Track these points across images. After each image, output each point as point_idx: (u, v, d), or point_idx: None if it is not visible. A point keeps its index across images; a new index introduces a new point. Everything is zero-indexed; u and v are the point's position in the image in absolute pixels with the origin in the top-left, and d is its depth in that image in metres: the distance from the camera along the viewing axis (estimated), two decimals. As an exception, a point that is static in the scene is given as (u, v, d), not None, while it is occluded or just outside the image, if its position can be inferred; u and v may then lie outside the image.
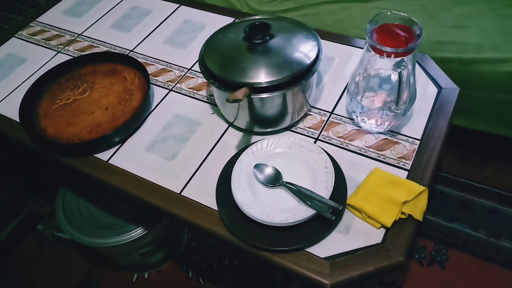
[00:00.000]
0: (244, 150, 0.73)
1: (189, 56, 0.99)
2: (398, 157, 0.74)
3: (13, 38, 1.11)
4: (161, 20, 1.09)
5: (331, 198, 0.64)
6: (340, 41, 0.98)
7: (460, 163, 1.43)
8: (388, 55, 0.65)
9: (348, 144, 0.77)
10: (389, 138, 0.77)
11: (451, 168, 1.42)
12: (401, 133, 0.78)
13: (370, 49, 0.67)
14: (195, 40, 1.02)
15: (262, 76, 0.70)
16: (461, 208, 1.31)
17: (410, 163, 0.73)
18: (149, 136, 0.83)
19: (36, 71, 1.00)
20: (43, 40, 1.09)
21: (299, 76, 0.72)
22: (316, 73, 0.74)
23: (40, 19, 1.16)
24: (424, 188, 0.67)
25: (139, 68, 0.90)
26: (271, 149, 0.73)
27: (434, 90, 0.84)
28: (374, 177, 0.69)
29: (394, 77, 0.71)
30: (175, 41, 1.03)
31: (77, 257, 1.39)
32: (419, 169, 0.72)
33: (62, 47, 1.06)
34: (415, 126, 0.78)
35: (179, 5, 1.14)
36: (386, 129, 0.77)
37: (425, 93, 0.83)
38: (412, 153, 0.75)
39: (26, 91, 0.87)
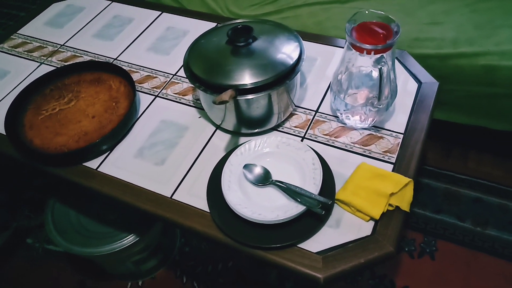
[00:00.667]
0: (233, 152, 0.74)
1: (173, 62, 0.99)
2: (383, 151, 0.76)
3: (-6, 51, 1.10)
4: (143, 28, 1.10)
5: (320, 194, 0.66)
6: (321, 41, 1.00)
7: (444, 156, 1.46)
8: (368, 52, 0.67)
9: (334, 141, 0.79)
10: (374, 133, 0.79)
11: (436, 161, 1.45)
12: (385, 127, 0.80)
13: (351, 47, 0.69)
14: (178, 46, 1.03)
15: (247, 78, 0.72)
16: (448, 200, 1.34)
17: (395, 156, 0.75)
18: (137, 142, 0.84)
19: (20, 83, 1.00)
20: (25, 52, 1.08)
21: (283, 77, 0.73)
22: (299, 73, 0.76)
23: (21, 31, 1.15)
24: (409, 179, 0.69)
25: (124, 75, 0.90)
26: (259, 149, 0.75)
27: (415, 85, 0.86)
28: (361, 171, 0.71)
29: (375, 73, 0.73)
30: (159, 48, 1.04)
31: (69, 269, 1.38)
32: (404, 162, 0.74)
33: (45, 58, 1.06)
34: (398, 120, 0.80)
35: (160, 12, 1.14)
36: (370, 125, 0.79)
37: (406, 89, 0.85)
38: (397, 146, 0.77)
39: (11, 103, 0.86)
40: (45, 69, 1.03)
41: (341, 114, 0.80)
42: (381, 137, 0.78)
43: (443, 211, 1.33)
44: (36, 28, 1.15)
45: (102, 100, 0.87)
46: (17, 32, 1.15)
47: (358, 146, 0.78)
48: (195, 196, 0.74)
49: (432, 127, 0.82)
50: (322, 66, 0.94)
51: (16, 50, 1.09)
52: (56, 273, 1.37)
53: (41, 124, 0.84)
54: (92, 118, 0.84)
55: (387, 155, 0.76)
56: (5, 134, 0.82)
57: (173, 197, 0.74)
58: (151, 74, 0.97)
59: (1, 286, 1.35)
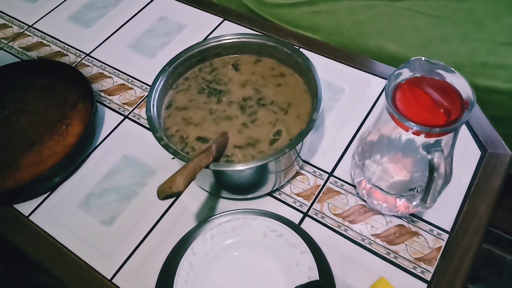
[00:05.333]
0: (201, 230, 0.53)
1: (157, 69, 0.76)
2: (415, 258, 0.53)
3: (-49, 24, 0.90)
4: (131, 14, 0.86)
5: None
6: (353, 63, 0.74)
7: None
8: (416, 133, 0.42)
9: (347, 228, 0.56)
10: (406, 225, 0.55)
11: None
12: (423, 218, 0.56)
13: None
14: (168, 47, 0.80)
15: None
16: (488, 266, 1.09)
17: (432, 270, 0.52)
18: (87, 183, 0.63)
19: (-32, 73, 0.80)
20: (-15, 31, 0.87)
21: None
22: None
23: (-12, 1, 0.94)
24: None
25: (86, 87, 0.68)
26: (238, 234, 0.53)
27: (476, 154, 0.61)
28: (377, 297, 0.48)
29: (423, 153, 0.48)
30: (143, 46, 0.80)
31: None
32: (443, 281, 0.51)
33: (6, 42, 0.84)
34: (443, 210, 0.56)
35: (157, -6, 0.90)
36: (403, 213, 0.55)
37: (463, 159, 0.60)
38: (437, 252, 0.53)
39: None
40: (2, 57, 0.82)
41: (362, 190, 0.56)
42: (416, 234, 0.55)
43: (479, 280, 1.09)
44: (6, -2, 0.94)
45: (51, 119, 0.66)
46: (-17, 1, 0.93)
47: (381, 242, 0.54)
48: (141, 284, 0.53)
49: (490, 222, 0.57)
50: (350, 102, 0.69)
51: (-24, 26, 0.88)
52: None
53: (-33, 145, 0.64)
54: (30, 146, 0.63)
55: (420, 266, 0.52)
56: None
57: (113, 281, 0.54)
58: (126, 83, 0.75)
59: None
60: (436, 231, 0.55)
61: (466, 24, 0.96)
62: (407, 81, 0.44)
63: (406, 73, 0.45)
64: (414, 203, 0.49)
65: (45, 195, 0.62)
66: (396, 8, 1.03)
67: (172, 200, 0.60)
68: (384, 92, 0.43)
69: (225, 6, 0.91)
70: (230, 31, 0.80)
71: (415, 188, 0.49)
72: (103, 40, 0.82)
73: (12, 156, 0.62)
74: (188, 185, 0.43)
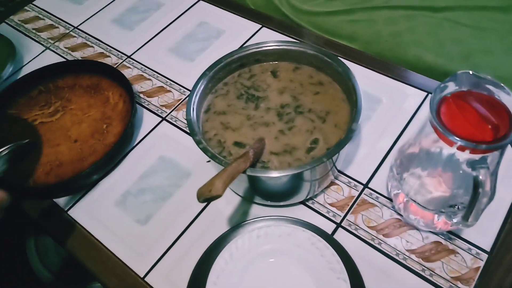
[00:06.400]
0: (234, 236, 0.53)
1: (196, 72, 0.77)
2: (452, 277, 0.51)
3: (3, 23, 0.95)
4: (171, 18, 0.88)
5: None
6: (391, 74, 0.73)
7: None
8: (461, 149, 0.41)
9: (381, 242, 0.55)
10: (443, 242, 0.54)
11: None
12: (461, 236, 0.54)
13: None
14: (206, 52, 0.81)
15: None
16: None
17: (469, 290, 0.50)
18: (123, 183, 0.65)
19: (17, 71, 0.83)
20: (34, 31, 0.91)
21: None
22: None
23: (38, 2, 0.98)
24: None
25: (126, 88, 0.70)
26: (271, 241, 0.53)
27: (520, 172, 0.58)
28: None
29: (467, 169, 0.47)
30: (182, 50, 0.82)
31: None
32: (481, 303, 0.49)
33: (52, 42, 0.88)
34: (484, 228, 0.54)
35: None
36: (441, 230, 0.54)
37: (506, 175, 0.58)
38: (475, 272, 0.51)
39: (-12, 104, 0.71)
40: (48, 56, 0.85)
41: (399, 203, 0.55)
42: (453, 252, 0.53)
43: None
44: (54, 0, 0.98)
45: (93, 118, 0.68)
46: (33, 3, 0.98)
47: (416, 258, 0.53)
48: (173, 285, 0.54)
49: (535, 244, 0.55)
50: (387, 112, 0.68)
51: (25, 26, 0.93)
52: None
53: (14, 139, 0.67)
54: (73, 142, 0.66)
55: (457, 285, 0.50)
56: (-31, 146, 0.66)
57: (145, 279, 0.55)
58: (164, 86, 0.77)
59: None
60: (474, 250, 0.53)
61: (511, 37, 0.93)
62: (453, 95, 0.43)
63: (452, 87, 0.44)
64: (454, 220, 0.48)
65: (84, 191, 0.64)
66: (437, 19, 1.00)
67: (205, 203, 0.61)
68: (429, 105, 0.42)
69: (264, 13, 0.92)
70: (268, 38, 0.81)
71: (456, 205, 0.47)
72: (144, 43, 0.85)
73: (56, 152, 0.64)
74: (226, 189, 0.43)
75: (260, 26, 0.84)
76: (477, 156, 0.41)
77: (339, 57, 0.74)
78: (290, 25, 0.85)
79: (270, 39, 0.80)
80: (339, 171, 0.61)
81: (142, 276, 0.55)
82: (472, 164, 0.41)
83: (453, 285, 0.50)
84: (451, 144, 0.41)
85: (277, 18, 0.88)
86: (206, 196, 0.41)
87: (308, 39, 0.80)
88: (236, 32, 0.84)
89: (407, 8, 1.03)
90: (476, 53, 0.92)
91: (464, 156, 0.42)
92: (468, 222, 0.44)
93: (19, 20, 0.94)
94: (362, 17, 1.05)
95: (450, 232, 0.54)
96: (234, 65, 0.62)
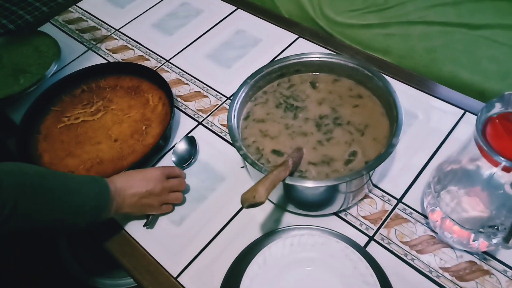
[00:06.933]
0: (268, 242, 0.54)
1: (232, 80, 0.79)
2: (486, 297, 0.51)
3: (48, 23, 0.98)
4: (210, 25, 0.91)
5: None
6: (427, 90, 0.73)
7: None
8: (507, 170, 0.41)
9: (414, 258, 0.55)
10: (478, 262, 0.54)
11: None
12: (497, 257, 0.54)
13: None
14: (243, 60, 0.83)
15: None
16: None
17: (504, 312, 0.50)
18: (159, 183, 0.66)
19: (61, 68, 0.87)
20: (77, 31, 0.95)
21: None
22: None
23: (81, 3, 1.02)
24: None
25: (166, 91, 0.72)
26: (305, 249, 0.53)
27: (559, 196, 0.58)
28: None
29: (510, 190, 0.46)
30: (220, 57, 0.84)
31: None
32: (516, 327, 0.48)
33: (94, 43, 0.91)
34: (521, 251, 0.54)
35: (235, 8, 0.94)
36: (477, 250, 0.54)
37: (544, 200, 0.57)
38: (509, 295, 0.51)
39: (34, 100, 0.73)
40: (90, 56, 0.88)
41: (435, 221, 0.55)
42: (488, 272, 0.53)
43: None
44: (97, 3, 1.01)
45: (133, 119, 0.70)
46: (77, 4, 1.02)
47: (450, 277, 0.53)
48: (205, 286, 0.55)
49: None
50: (423, 128, 0.68)
51: (69, 26, 0.96)
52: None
53: (58, 135, 0.70)
54: (114, 141, 0.68)
55: (491, 306, 0.50)
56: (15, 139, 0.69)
57: (178, 279, 0.56)
58: (201, 91, 0.79)
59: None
60: (510, 272, 0.52)
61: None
62: (499, 115, 0.43)
63: (498, 107, 0.44)
64: (494, 241, 0.48)
65: (121, 189, 0.66)
66: (473, 36, 1.00)
67: (238, 207, 0.62)
68: (474, 124, 0.43)
69: (300, 23, 0.93)
70: (304, 48, 0.83)
71: (496, 226, 0.47)
72: (183, 48, 0.87)
73: (97, 150, 0.67)
74: (268, 196, 0.44)
75: (297, 36, 0.85)
76: (522, 178, 0.41)
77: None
78: (326, 37, 0.86)
79: (306, 49, 0.82)
80: (374, 185, 0.62)
81: (175, 276, 0.57)
82: (517, 186, 0.41)
83: (487, 306, 0.50)
84: (496, 164, 0.41)
85: (314, 29, 0.89)
86: (251, 202, 0.42)
87: (344, 51, 0.81)
88: (272, 41, 0.85)
89: (443, 24, 1.03)
90: (514, 72, 0.91)
91: (508, 177, 0.42)
92: (509, 243, 0.44)
93: (63, 21, 0.98)
94: (397, 31, 1.05)
95: (485, 252, 0.54)
96: (274, 75, 0.63)
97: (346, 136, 0.56)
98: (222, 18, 0.92)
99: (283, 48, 0.84)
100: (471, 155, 0.47)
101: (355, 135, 0.56)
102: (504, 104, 0.44)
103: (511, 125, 0.43)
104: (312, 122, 0.59)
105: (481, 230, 0.48)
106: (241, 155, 0.52)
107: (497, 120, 0.43)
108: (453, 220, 0.51)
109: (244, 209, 0.62)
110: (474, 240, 0.51)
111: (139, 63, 0.85)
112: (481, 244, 0.50)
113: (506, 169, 0.41)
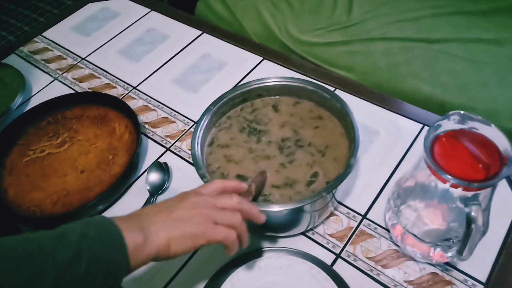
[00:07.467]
0: (236, 267, 0.55)
1: (199, 104, 0.80)
2: (449, 308, 0.52)
3: (13, 54, 0.98)
4: (176, 50, 0.92)
5: None
6: (388, 106, 0.76)
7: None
8: (454, 186, 0.43)
9: (380, 273, 0.56)
10: (439, 273, 0.55)
11: None
12: (457, 267, 0.56)
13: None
14: (209, 83, 0.84)
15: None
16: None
17: (466, 322, 0.51)
18: (128, 212, 0.66)
19: (26, 101, 0.86)
20: (43, 62, 0.95)
21: (321, 182, 0.52)
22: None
23: (46, 33, 1.02)
24: None
25: (133, 118, 0.73)
26: (271, 273, 0.54)
27: (513, 204, 0.60)
28: None
29: (460, 205, 0.48)
30: (187, 81, 0.85)
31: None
32: (478, 336, 0.50)
33: (60, 73, 0.91)
34: (479, 260, 0.56)
35: (201, 32, 0.95)
36: (438, 262, 0.55)
37: (500, 209, 0.59)
38: (471, 304, 0.52)
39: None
40: (56, 87, 0.88)
41: (396, 235, 0.56)
42: (450, 283, 0.54)
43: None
44: (62, 32, 1.01)
45: (99, 149, 0.70)
46: (42, 34, 1.02)
47: (413, 290, 0.54)
48: (176, 315, 0.55)
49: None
50: (384, 145, 0.70)
51: (35, 57, 0.96)
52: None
53: (23, 169, 0.69)
54: (80, 173, 0.67)
55: (454, 317, 0.52)
56: (-21, 175, 0.68)
57: (149, 309, 0.56)
58: (169, 116, 0.79)
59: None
60: (470, 281, 0.54)
61: (505, 69, 0.97)
62: (446, 134, 0.46)
63: (445, 126, 0.46)
64: (449, 254, 0.50)
65: (89, 221, 0.66)
66: (433, 51, 1.04)
67: (208, 233, 0.62)
68: (423, 142, 0.45)
69: (265, 45, 0.96)
70: (269, 70, 0.84)
71: (451, 239, 0.49)
72: (149, 74, 0.88)
73: (64, 182, 0.66)
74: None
75: (262, 58, 0.87)
76: (469, 193, 0.43)
77: (337, 90, 0.77)
78: (290, 58, 0.88)
79: (271, 71, 0.84)
80: (339, 202, 0.63)
81: (145, 306, 0.57)
82: (465, 201, 0.43)
83: (450, 317, 0.52)
84: (444, 181, 0.43)
85: (277, 51, 0.91)
86: None
87: (308, 71, 0.83)
88: (238, 64, 0.87)
89: (404, 40, 1.07)
90: (472, 85, 0.95)
91: (458, 192, 0.44)
92: (462, 256, 0.46)
93: (28, 51, 0.98)
94: (359, 49, 1.09)
95: (446, 263, 0.56)
96: (237, 100, 0.64)
97: (307, 157, 0.58)
98: (188, 42, 0.93)
99: (249, 71, 0.85)
100: (424, 171, 0.49)
101: (316, 156, 0.58)
102: (450, 122, 0.46)
103: (457, 142, 0.45)
104: (275, 145, 0.60)
105: (438, 243, 0.50)
106: (204, 182, 0.53)
107: (444, 139, 0.45)
108: (413, 234, 0.52)
109: (213, 234, 0.62)
110: (434, 253, 0.52)
111: (106, 91, 0.85)
112: (440, 256, 0.52)
113: (454, 186, 0.43)
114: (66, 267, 0.35)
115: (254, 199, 0.52)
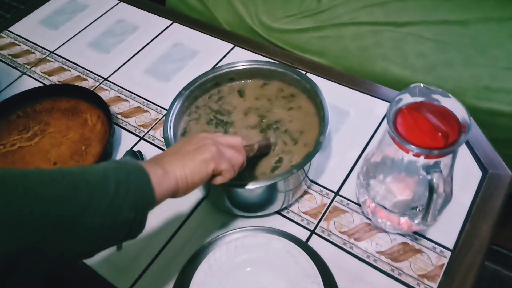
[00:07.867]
0: (213, 248, 0.55)
1: (171, 92, 0.79)
2: (419, 275, 0.55)
3: (-21, 50, 0.96)
4: (147, 40, 0.91)
5: None
6: (358, 87, 0.77)
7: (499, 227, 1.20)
8: (416, 155, 0.45)
9: (353, 246, 0.58)
10: (410, 242, 0.58)
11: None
12: (426, 236, 0.58)
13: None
14: (182, 71, 0.84)
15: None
16: (495, 286, 1.09)
17: (435, 286, 0.53)
18: (104, 202, 0.66)
19: (-6, 96, 0.85)
20: (10, 57, 0.93)
21: (291, 160, 0.53)
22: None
23: (13, 28, 1.00)
24: None
25: (104, 109, 0.72)
26: (248, 251, 0.55)
27: (477, 175, 0.63)
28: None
29: (424, 173, 0.50)
30: (158, 71, 0.85)
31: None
32: (446, 299, 0.52)
33: (28, 67, 0.90)
34: (446, 228, 0.58)
35: (171, 22, 0.95)
36: (406, 231, 0.57)
37: (464, 180, 0.62)
38: (439, 270, 0.55)
39: (-34, 130, 0.71)
40: (25, 81, 0.87)
41: (367, 208, 0.58)
42: (419, 251, 0.57)
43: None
44: (29, 26, 0.99)
45: (71, 140, 0.70)
46: (8, 29, 0.99)
47: (385, 259, 0.56)
48: (156, 298, 0.56)
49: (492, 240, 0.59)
50: (355, 124, 0.72)
51: (1, 52, 0.94)
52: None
53: (-7, 164, 0.68)
54: (53, 164, 0.67)
55: (423, 283, 0.54)
56: None
57: (129, 293, 0.57)
58: (142, 106, 0.79)
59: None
60: (439, 248, 0.56)
61: (470, 49, 1.00)
62: (407, 106, 0.47)
63: (406, 99, 0.48)
64: (416, 221, 0.52)
65: (65, 212, 0.66)
66: (401, 33, 1.06)
67: (185, 216, 0.63)
68: (386, 115, 0.46)
69: (236, 33, 0.96)
70: (240, 57, 0.85)
71: (417, 207, 0.51)
72: (121, 65, 0.87)
73: (35, 174, 0.66)
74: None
75: (233, 45, 0.88)
76: (431, 161, 0.45)
77: (308, 73, 0.78)
78: (261, 44, 0.89)
79: (243, 58, 0.84)
80: (312, 181, 0.65)
81: (125, 291, 0.57)
82: (427, 169, 0.45)
83: (420, 283, 0.54)
84: (407, 151, 0.45)
85: (248, 38, 0.91)
86: None
87: (279, 56, 0.84)
88: (210, 52, 0.87)
89: (373, 24, 1.09)
90: (439, 65, 0.98)
91: (421, 161, 0.46)
92: (427, 221, 0.48)
93: (-5, 47, 0.96)
94: (330, 34, 1.10)
95: (415, 233, 0.58)
96: (209, 84, 0.65)
97: (280, 146, 0.59)
98: (158, 32, 0.93)
99: (220, 58, 0.86)
100: (390, 145, 0.51)
101: (289, 146, 0.59)
102: (412, 95, 0.48)
103: (418, 114, 0.47)
104: (242, 135, 0.61)
105: (406, 212, 0.52)
106: (177, 165, 0.54)
107: (406, 111, 0.47)
108: (382, 206, 0.54)
109: (190, 218, 0.63)
110: (402, 223, 0.54)
111: (77, 83, 0.84)
112: (408, 225, 0.54)
113: (416, 155, 0.45)
114: (95, 188, 0.35)
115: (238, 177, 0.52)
